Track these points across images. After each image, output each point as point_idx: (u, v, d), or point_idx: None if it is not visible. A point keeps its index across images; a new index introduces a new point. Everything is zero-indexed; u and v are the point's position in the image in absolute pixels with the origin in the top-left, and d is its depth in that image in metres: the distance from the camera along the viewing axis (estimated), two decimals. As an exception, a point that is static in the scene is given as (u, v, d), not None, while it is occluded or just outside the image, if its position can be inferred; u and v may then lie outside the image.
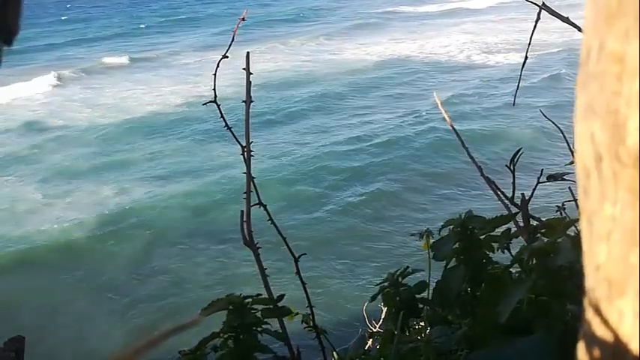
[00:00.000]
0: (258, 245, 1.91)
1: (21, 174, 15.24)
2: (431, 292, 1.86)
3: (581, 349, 0.54)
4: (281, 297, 1.77)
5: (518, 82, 2.35)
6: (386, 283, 1.90)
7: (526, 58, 2.14)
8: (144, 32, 35.22)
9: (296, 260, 1.99)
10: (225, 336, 1.68)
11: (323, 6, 40.19)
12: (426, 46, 26.49)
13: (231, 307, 1.68)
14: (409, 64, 23.48)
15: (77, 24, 38.53)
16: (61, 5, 46.30)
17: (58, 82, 23.94)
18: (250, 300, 1.71)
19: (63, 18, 40.83)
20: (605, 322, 0.50)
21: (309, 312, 1.98)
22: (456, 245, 1.65)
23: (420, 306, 1.87)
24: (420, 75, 22.10)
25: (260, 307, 1.73)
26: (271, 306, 1.74)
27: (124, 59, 27.25)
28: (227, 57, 1.99)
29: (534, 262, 1.52)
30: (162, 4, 45.22)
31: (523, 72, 2.20)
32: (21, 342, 1.73)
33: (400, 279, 1.89)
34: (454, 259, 1.66)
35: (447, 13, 35.04)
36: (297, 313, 1.93)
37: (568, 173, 1.73)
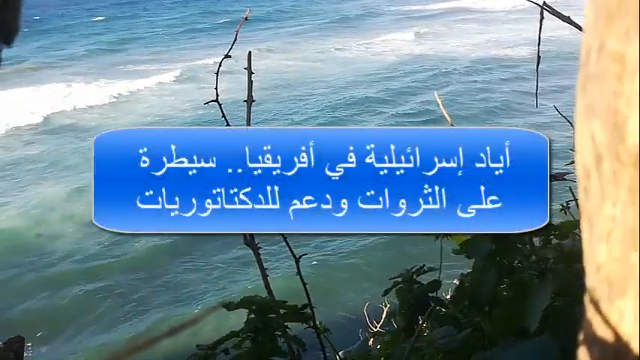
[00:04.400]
0: (258, 245, 1.91)
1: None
2: (439, 291, 1.86)
3: (581, 348, 0.54)
4: (306, 305, 1.76)
5: (537, 83, 2.33)
6: (400, 279, 1.90)
7: (539, 57, 2.13)
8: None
9: (297, 260, 1.99)
10: (244, 336, 1.67)
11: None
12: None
13: (254, 307, 1.67)
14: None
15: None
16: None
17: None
18: (274, 303, 1.70)
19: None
20: (606, 322, 0.50)
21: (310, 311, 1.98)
22: (492, 246, 1.62)
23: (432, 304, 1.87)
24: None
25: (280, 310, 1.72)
26: (294, 312, 1.73)
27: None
28: (230, 56, 1.99)
29: (553, 263, 1.51)
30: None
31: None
32: (20, 342, 1.73)
33: (415, 276, 1.89)
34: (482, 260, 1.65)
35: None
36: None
37: (569, 173, 1.73)
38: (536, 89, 2.41)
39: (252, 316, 1.68)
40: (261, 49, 24.05)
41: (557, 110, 2.66)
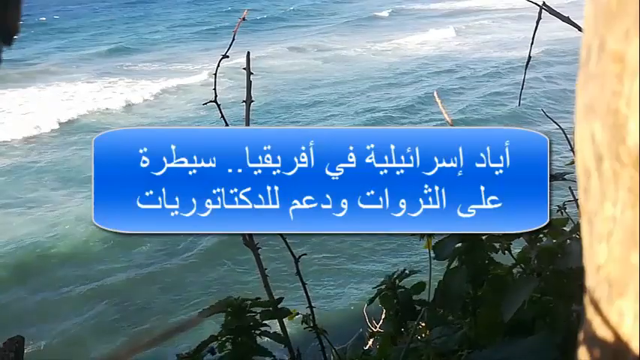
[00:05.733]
0: (258, 246, 1.91)
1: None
2: (431, 292, 1.86)
3: (581, 348, 0.54)
4: (280, 299, 1.76)
5: (522, 83, 2.33)
6: (383, 286, 1.91)
7: (529, 57, 2.13)
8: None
9: (296, 260, 1.99)
10: (223, 339, 1.68)
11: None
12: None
13: (229, 309, 1.68)
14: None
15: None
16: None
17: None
18: (249, 302, 1.71)
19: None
20: (606, 322, 0.50)
21: (310, 312, 1.98)
22: (459, 245, 1.64)
23: (418, 308, 1.87)
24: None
25: (259, 309, 1.73)
26: (270, 308, 1.74)
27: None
28: (227, 57, 1.99)
29: (536, 262, 1.52)
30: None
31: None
32: (20, 342, 1.73)
33: (397, 281, 1.89)
34: (456, 259, 1.66)
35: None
36: (297, 314, 1.92)
37: (569, 173, 1.73)
38: (522, 88, 2.41)
39: (229, 318, 1.69)
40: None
41: (546, 114, 2.66)
